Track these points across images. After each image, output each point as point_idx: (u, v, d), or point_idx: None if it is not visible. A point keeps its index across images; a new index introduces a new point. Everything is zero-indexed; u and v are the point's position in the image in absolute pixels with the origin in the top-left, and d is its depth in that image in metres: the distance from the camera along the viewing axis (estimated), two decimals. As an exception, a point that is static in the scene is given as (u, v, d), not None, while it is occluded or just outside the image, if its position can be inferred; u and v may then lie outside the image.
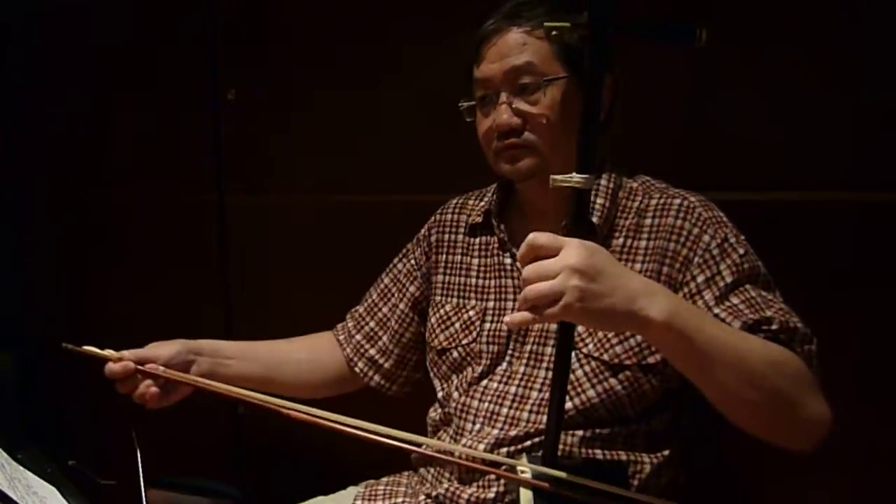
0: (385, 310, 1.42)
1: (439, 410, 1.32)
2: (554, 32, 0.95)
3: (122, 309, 1.93)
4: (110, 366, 1.23)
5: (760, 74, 1.39)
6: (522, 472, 1.06)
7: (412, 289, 1.40)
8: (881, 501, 1.39)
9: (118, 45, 1.87)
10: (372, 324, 1.43)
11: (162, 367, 1.25)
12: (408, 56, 1.64)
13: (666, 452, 1.18)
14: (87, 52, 1.90)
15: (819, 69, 1.36)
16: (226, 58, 1.79)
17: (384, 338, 1.42)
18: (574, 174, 0.95)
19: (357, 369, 1.43)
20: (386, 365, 1.42)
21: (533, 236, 0.95)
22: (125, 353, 1.25)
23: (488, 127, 1.20)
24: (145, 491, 1.21)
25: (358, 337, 1.43)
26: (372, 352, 1.42)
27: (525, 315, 0.94)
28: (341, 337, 1.46)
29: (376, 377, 1.42)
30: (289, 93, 1.75)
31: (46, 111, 1.96)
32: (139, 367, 1.23)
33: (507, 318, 0.99)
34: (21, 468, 1.09)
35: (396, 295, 1.42)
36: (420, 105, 1.63)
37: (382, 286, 1.44)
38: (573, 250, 0.92)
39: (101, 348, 1.25)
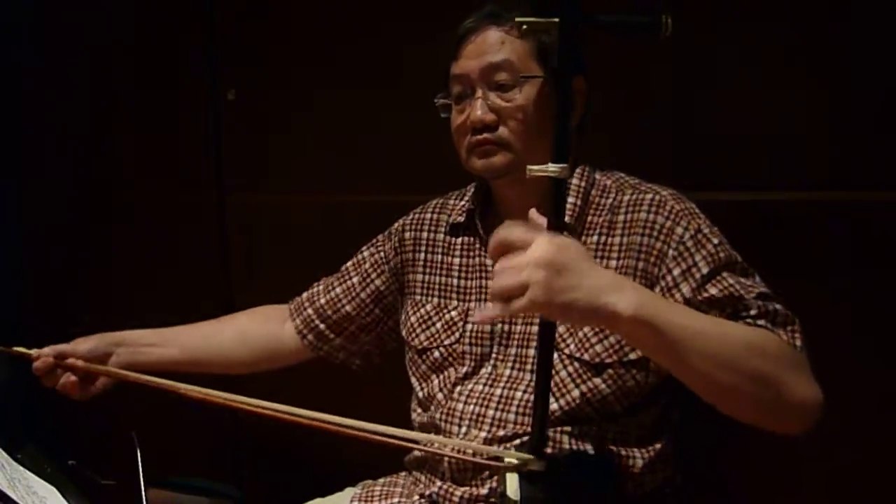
0: (338, 290, 1.44)
1: (421, 412, 1.32)
2: (524, 27, 0.97)
3: (123, 309, 1.93)
4: (36, 363, 1.32)
5: (759, 73, 1.39)
6: (510, 462, 1.06)
7: (378, 282, 1.40)
8: (877, 498, 1.39)
9: (118, 44, 1.87)
10: (323, 300, 1.45)
11: (80, 361, 1.32)
12: (407, 56, 1.64)
13: (658, 447, 1.19)
14: (86, 51, 1.89)
15: (818, 68, 1.36)
16: (226, 58, 1.79)
17: (334, 316, 1.43)
18: (550, 164, 0.96)
19: (307, 341, 1.45)
20: (337, 341, 1.44)
21: (505, 229, 0.96)
22: (45, 349, 1.33)
23: (462, 121, 1.21)
24: (145, 491, 1.21)
25: (309, 311, 1.45)
26: (321, 327, 1.44)
27: (494, 311, 0.96)
28: (292, 306, 1.49)
29: (325, 348, 1.46)
30: (289, 93, 1.75)
31: (46, 110, 1.96)
32: (58, 361, 1.32)
33: (475, 316, 1.00)
34: (21, 468, 1.09)
35: (357, 281, 1.43)
36: (420, 105, 1.63)
37: (343, 268, 1.46)
38: (541, 244, 0.92)
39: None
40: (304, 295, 1.48)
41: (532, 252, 0.92)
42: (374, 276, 1.41)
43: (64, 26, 1.91)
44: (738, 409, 1.03)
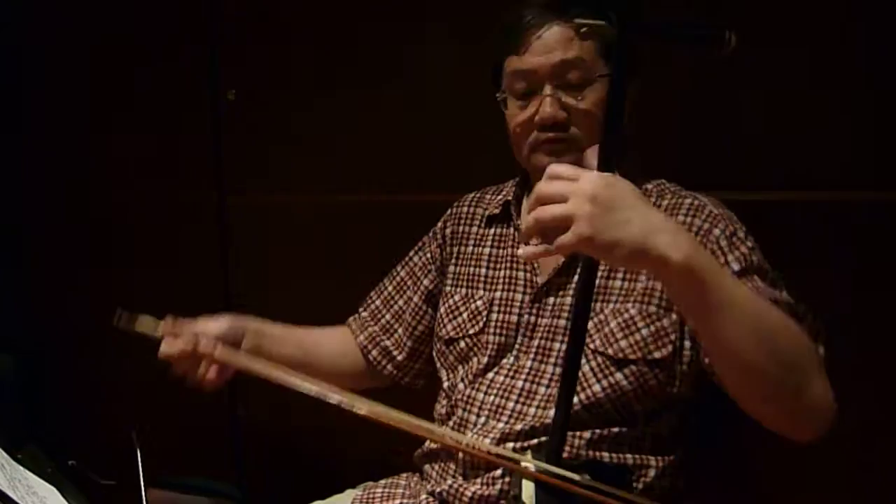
0: (401, 302, 1.43)
1: (444, 403, 1.31)
2: (583, 29, 0.95)
3: (123, 309, 1.93)
4: (165, 348, 1.22)
5: (759, 73, 1.39)
6: (526, 467, 1.05)
7: (426, 282, 1.40)
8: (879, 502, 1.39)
9: (118, 44, 1.87)
10: (388, 316, 1.44)
11: (217, 348, 1.21)
12: (408, 56, 1.64)
13: (671, 457, 1.19)
14: (87, 51, 1.90)
15: (819, 68, 1.36)
16: (226, 58, 1.79)
17: (399, 330, 1.43)
18: None
19: (371, 357, 1.43)
20: (399, 357, 1.43)
21: (552, 166, 0.91)
22: (177, 329, 1.23)
23: (527, 118, 1.18)
24: (145, 491, 1.22)
25: (375, 328, 1.44)
26: (387, 343, 1.43)
27: (538, 248, 0.90)
28: (354, 326, 1.46)
29: (389, 367, 1.44)
30: (289, 93, 1.75)
31: (46, 111, 1.96)
32: (195, 350, 1.21)
33: (520, 251, 0.98)
34: (21, 468, 1.09)
35: (411, 288, 1.42)
36: (420, 105, 1.63)
37: (398, 279, 1.45)
38: (590, 178, 0.87)
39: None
40: (365, 313, 1.46)
41: (580, 183, 0.87)
42: (422, 277, 1.41)
43: (64, 26, 1.91)
44: (759, 396, 0.97)
